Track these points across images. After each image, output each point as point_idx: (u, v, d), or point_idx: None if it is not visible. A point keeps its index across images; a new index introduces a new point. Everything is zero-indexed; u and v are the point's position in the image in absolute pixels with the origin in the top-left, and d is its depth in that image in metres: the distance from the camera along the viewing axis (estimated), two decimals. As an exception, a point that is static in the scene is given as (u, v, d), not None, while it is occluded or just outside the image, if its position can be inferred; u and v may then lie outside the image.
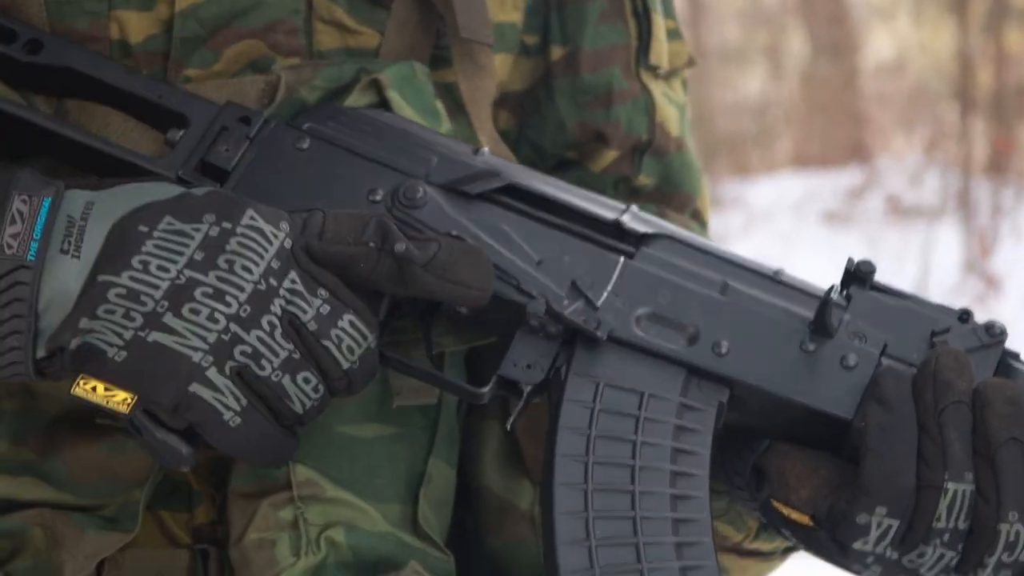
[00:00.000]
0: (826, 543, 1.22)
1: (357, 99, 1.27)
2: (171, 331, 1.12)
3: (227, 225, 1.14)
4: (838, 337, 1.23)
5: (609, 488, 1.20)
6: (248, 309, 1.13)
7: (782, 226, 8.96)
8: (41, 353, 1.13)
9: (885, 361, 1.23)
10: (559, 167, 1.43)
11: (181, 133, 1.24)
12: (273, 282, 1.14)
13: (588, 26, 1.41)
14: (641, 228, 1.26)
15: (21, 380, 1.15)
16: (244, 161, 1.24)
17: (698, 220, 1.50)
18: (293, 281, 1.14)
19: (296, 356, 1.14)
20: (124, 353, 1.11)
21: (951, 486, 1.17)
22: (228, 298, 1.13)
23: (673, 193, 1.47)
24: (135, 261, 1.12)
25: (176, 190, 1.17)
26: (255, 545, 1.25)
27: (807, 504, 1.21)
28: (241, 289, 1.13)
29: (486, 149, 1.28)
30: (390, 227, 1.17)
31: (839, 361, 1.23)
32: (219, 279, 1.13)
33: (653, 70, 1.44)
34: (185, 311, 1.12)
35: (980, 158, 8.92)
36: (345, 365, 1.16)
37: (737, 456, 1.28)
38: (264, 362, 1.13)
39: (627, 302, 1.23)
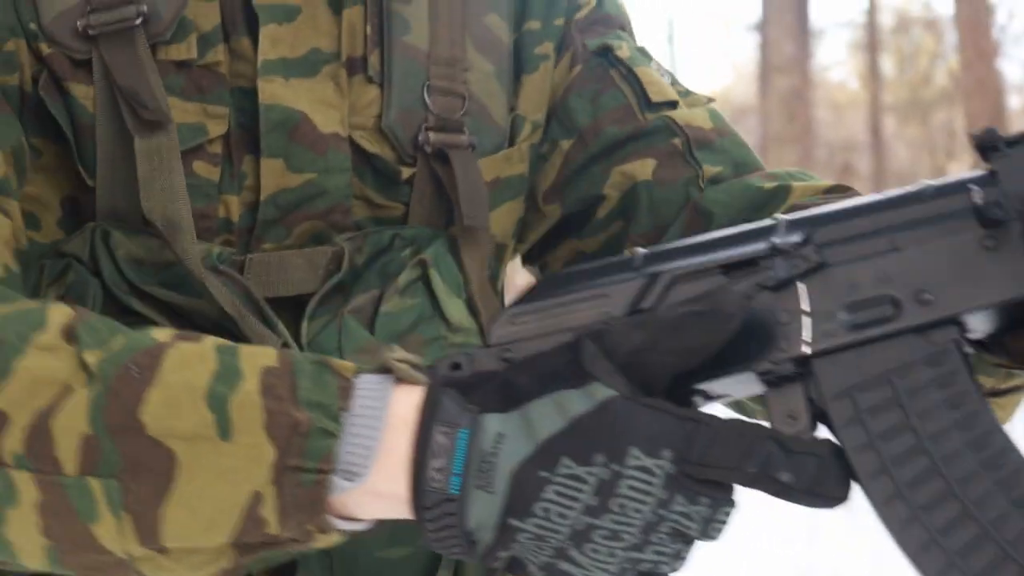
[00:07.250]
0: None
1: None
2: (576, 563, 1.28)
3: (616, 467, 1.26)
4: (1008, 216, 1.24)
5: (917, 481, 1.24)
6: (641, 537, 1.27)
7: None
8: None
9: None
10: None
11: None
12: (662, 511, 1.26)
13: (579, 113, 1.65)
14: (797, 237, 1.30)
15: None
16: None
17: None
18: (680, 503, 1.26)
19: (681, 549, 1.28)
20: (543, 573, 1.29)
21: None
22: (623, 535, 1.27)
23: (756, 170, 1.62)
24: (538, 508, 1.27)
25: (588, 400, 1.28)
26: None
27: None
28: (633, 526, 1.26)
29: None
30: (775, 456, 1.25)
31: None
32: (614, 521, 1.26)
33: (663, 106, 1.63)
34: (587, 550, 1.27)
35: None
36: (716, 539, 1.29)
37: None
38: (663, 566, 1.28)
39: (827, 312, 1.28)
